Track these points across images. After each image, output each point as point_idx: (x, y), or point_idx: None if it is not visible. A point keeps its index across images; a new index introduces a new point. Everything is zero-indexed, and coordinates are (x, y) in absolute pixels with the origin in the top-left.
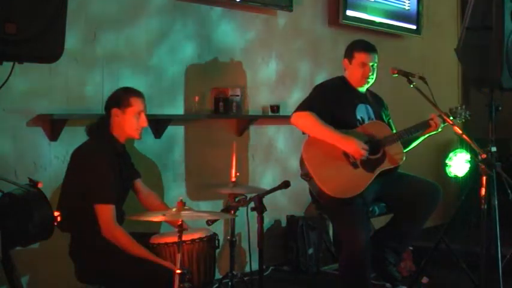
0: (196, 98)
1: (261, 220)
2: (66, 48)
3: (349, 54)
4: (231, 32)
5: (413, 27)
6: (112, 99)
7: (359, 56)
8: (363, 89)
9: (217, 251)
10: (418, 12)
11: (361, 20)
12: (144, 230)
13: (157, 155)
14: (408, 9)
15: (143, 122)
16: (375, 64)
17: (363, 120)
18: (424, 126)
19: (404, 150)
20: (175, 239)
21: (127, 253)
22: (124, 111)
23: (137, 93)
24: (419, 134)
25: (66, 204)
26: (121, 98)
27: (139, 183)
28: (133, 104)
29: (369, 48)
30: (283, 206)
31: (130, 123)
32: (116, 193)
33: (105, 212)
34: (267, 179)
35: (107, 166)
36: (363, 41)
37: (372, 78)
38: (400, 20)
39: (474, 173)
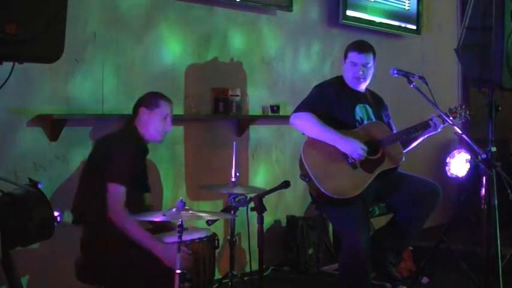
0: (196, 98)
1: (261, 220)
2: (66, 48)
3: (344, 53)
4: (231, 32)
5: (413, 27)
6: (141, 100)
7: (350, 56)
8: (362, 88)
9: (217, 251)
10: (418, 12)
11: (361, 20)
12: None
13: (157, 155)
14: (408, 9)
15: (168, 125)
16: (368, 64)
17: (362, 121)
18: (424, 126)
19: (404, 151)
20: (175, 239)
21: (132, 240)
22: (151, 111)
23: (167, 98)
24: (418, 134)
25: (85, 196)
26: (151, 98)
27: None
28: (161, 106)
29: (359, 48)
30: (283, 206)
31: (155, 124)
32: (137, 186)
33: (116, 192)
34: (266, 179)
35: (132, 154)
36: (358, 41)
37: (364, 78)
38: (400, 20)
39: (474, 173)
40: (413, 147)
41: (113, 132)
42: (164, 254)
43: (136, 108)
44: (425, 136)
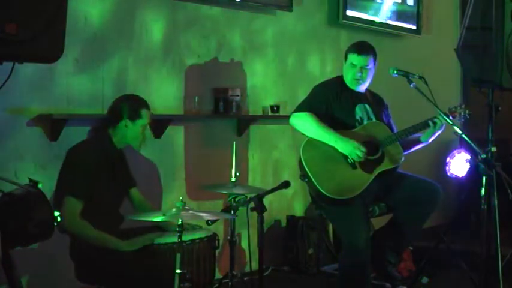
0: (196, 98)
1: (261, 220)
2: (66, 47)
3: (345, 55)
4: (231, 32)
5: (413, 27)
6: (121, 109)
7: (350, 57)
8: (362, 89)
9: (217, 251)
10: (418, 12)
11: (361, 20)
12: None
13: (157, 155)
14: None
15: (147, 134)
16: (367, 66)
17: (362, 120)
18: (424, 126)
19: (405, 153)
20: (175, 239)
21: (95, 245)
22: (132, 123)
23: (147, 105)
24: (419, 137)
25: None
26: (132, 107)
27: (135, 191)
28: (143, 117)
29: (359, 50)
30: (283, 206)
31: (135, 134)
32: (106, 195)
33: (72, 205)
34: (267, 179)
35: (91, 163)
36: (358, 43)
37: (363, 80)
38: (400, 20)
39: (474, 173)
40: (417, 150)
41: (83, 142)
42: (129, 248)
43: (115, 118)
44: (431, 139)
